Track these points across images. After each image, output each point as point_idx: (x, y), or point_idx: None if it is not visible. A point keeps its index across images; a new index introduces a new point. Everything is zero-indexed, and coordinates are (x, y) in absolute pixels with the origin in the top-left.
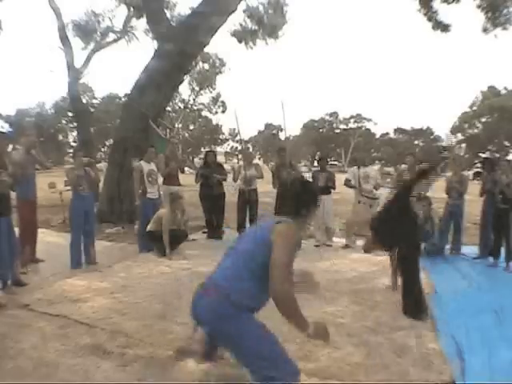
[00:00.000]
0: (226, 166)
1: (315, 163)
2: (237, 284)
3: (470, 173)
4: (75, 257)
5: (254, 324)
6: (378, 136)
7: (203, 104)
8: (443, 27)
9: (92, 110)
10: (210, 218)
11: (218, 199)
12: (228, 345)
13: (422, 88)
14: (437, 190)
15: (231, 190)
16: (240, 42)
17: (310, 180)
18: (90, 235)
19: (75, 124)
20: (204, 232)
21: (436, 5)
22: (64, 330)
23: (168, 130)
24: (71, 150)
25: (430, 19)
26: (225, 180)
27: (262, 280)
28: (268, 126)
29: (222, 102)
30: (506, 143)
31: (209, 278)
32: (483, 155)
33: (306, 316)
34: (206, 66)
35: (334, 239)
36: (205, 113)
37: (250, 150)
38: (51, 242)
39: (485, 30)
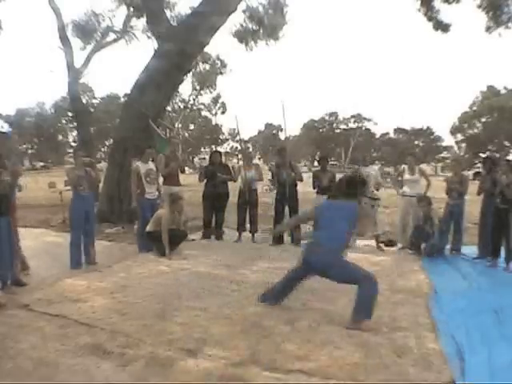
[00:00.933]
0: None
1: (315, 163)
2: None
3: (470, 173)
4: (75, 257)
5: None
6: (378, 136)
7: (203, 104)
8: (443, 27)
9: (92, 110)
10: (208, 218)
11: (221, 199)
12: (335, 271)
13: (422, 88)
14: (437, 191)
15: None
16: (241, 42)
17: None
18: (90, 235)
19: (75, 124)
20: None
21: (436, 4)
22: (64, 330)
23: (168, 130)
24: (71, 150)
25: (430, 19)
26: (230, 180)
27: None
28: (268, 125)
29: (223, 103)
30: (506, 143)
31: (318, 239)
32: (483, 155)
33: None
34: (207, 67)
35: None
36: (205, 112)
37: (250, 149)
38: (51, 241)
39: (488, 29)
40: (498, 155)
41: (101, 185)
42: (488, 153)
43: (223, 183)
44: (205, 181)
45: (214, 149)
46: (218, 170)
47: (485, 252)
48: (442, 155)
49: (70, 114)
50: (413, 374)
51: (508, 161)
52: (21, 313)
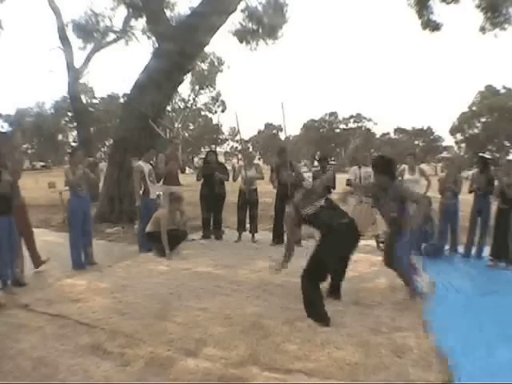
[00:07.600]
0: (226, 166)
1: (315, 163)
2: None
3: (471, 173)
4: (76, 257)
5: None
6: (378, 136)
7: (203, 104)
8: (434, 26)
9: (92, 109)
10: (207, 218)
11: (219, 199)
12: None
13: (422, 88)
14: (437, 191)
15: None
16: (241, 41)
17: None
18: (88, 235)
19: (75, 124)
20: None
21: (434, 4)
22: (64, 330)
23: (168, 130)
24: (70, 150)
25: (420, 17)
26: (226, 180)
27: None
28: (268, 125)
29: (222, 101)
30: (506, 143)
31: None
32: (480, 154)
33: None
34: (205, 66)
35: None
36: (204, 112)
37: (250, 149)
38: (51, 241)
39: (482, 30)
40: (497, 155)
41: (101, 185)
42: (488, 153)
43: (220, 183)
44: (202, 180)
45: (214, 148)
46: (214, 170)
47: (468, 251)
48: (442, 155)
49: (69, 113)
50: (413, 373)
51: (509, 160)
52: (21, 313)
